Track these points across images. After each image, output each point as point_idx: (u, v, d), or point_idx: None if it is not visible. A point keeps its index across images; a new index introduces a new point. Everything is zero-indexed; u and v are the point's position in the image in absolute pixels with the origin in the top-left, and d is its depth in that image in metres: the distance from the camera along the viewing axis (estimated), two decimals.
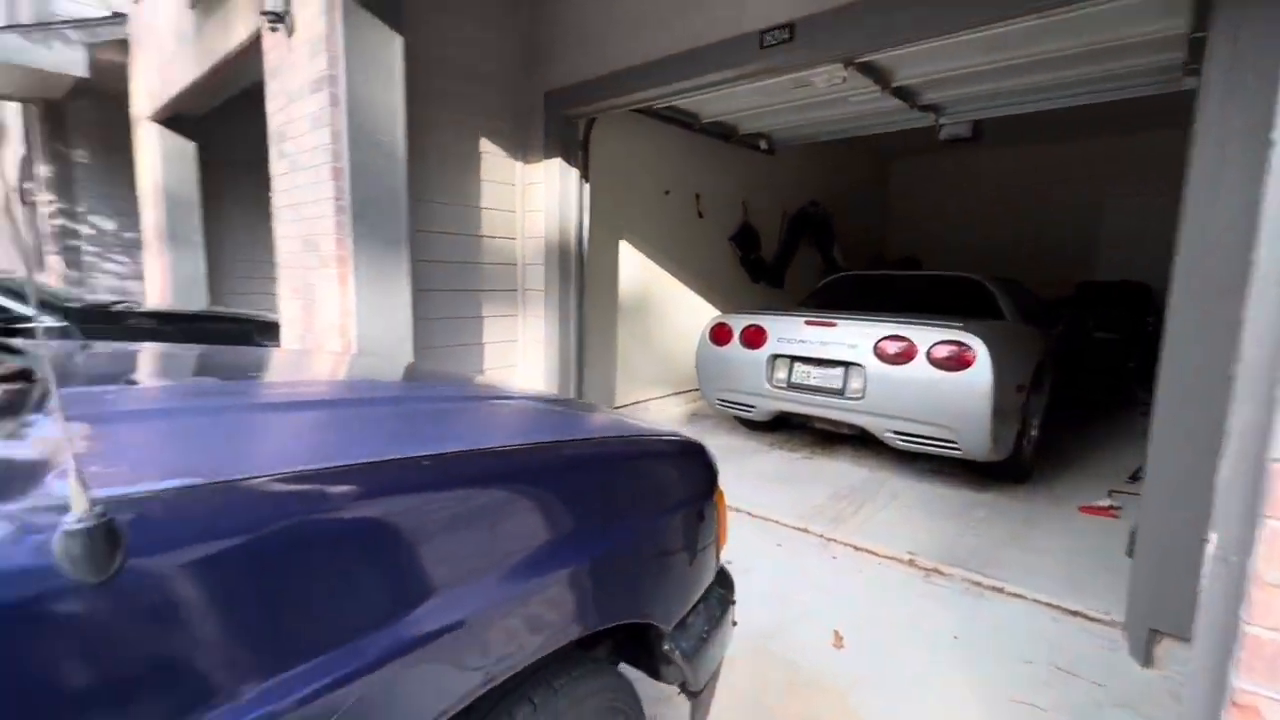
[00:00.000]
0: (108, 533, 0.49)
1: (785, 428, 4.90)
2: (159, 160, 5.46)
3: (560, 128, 3.90)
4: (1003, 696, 1.94)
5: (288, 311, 3.41)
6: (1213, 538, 0.94)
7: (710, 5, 3.07)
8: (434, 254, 3.67)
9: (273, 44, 3.18)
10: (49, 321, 3.50)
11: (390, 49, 2.98)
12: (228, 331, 4.13)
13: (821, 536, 3.10)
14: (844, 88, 3.98)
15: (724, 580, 1.33)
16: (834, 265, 7.76)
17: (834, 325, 3.69)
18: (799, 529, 3.18)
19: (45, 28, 5.09)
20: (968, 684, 2.00)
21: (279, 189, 3.34)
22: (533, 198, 4.08)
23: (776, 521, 3.27)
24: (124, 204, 6.30)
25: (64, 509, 0.48)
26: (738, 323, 4.16)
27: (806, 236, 7.49)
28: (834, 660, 2.12)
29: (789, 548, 2.99)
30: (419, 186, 3.44)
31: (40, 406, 0.82)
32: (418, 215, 3.45)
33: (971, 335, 3.20)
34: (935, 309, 3.91)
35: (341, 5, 2.79)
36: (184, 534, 0.56)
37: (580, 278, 4.20)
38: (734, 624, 1.33)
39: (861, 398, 3.56)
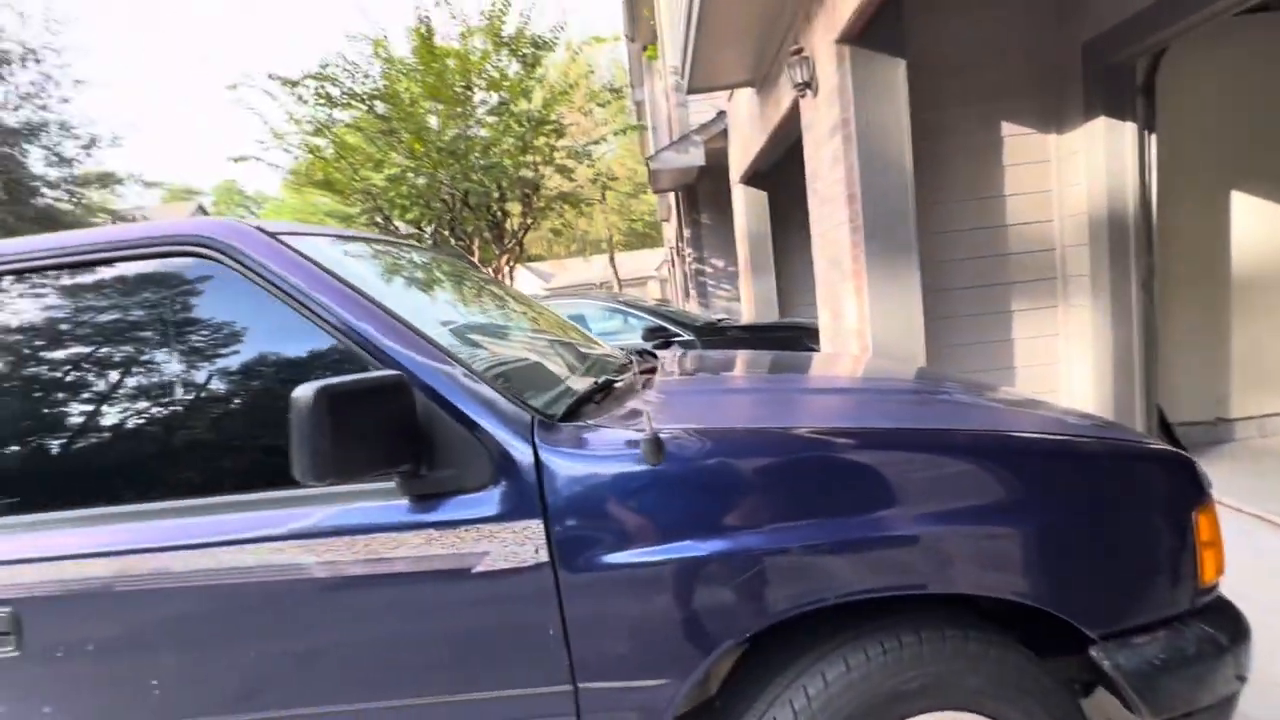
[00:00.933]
0: (657, 444, 1.04)
1: None
2: (744, 210, 7.31)
3: (1104, 81, 3.28)
4: None
5: (822, 319, 4.13)
6: None
7: None
8: (951, 254, 3.70)
9: (805, 106, 3.94)
10: (685, 336, 5.31)
11: (893, 75, 3.25)
12: (786, 337, 5.24)
13: None
14: None
15: (1219, 618, 1.08)
16: None
17: None
18: None
19: (685, 139, 7.63)
20: None
21: (814, 220, 4.09)
22: (1072, 170, 3.56)
23: None
24: (729, 248, 8.67)
25: (644, 432, 1.05)
26: None
27: None
28: None
29: None
30: (932, 191, 3.57)
31: (646, 388, 1.56)
32: (932, 218, 3.58)
33: None
34: None
35: (850, 55, 3.25)
36: (686, 452, 1.08)
37: (1147, 254, 3.39)
38: (1239, 677, 1.06)
39: None
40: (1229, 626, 1.10)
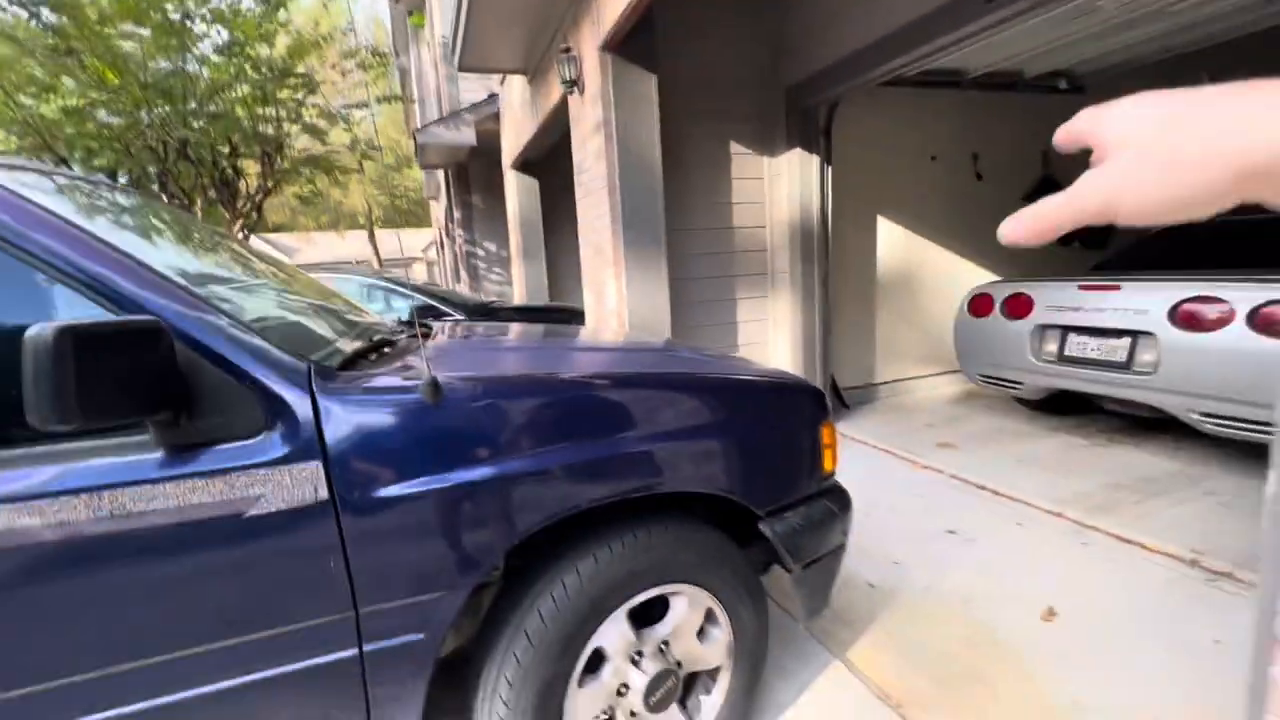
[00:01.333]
0: (435, 385, 1.18)
1: (1076, 411, 4.26)
2: (516, 195, 7.44)
3: (800, 119, 4.18)
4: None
5: (587, 301, 4.50)
6: (1272, 476, 0.92)
7: None
8: (692, 248, 4.36)
9: (572, 103, 4.24)
10: (456, 315, 5.28)
11: (646, 87, 3.72)
12: (556, 317, 5.54)
13: (1077, 523, 2.82)
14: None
15: (839, 498, 1.64)
16: None
17: (1117, 289, 3.18)
18: (1050, 512, 2.93)
19: (455, 115, 7.45)
20: (1204, 681, 1.78)
21: (580, 211, 4.42)
22: (779, 188, 4.45)
23: (1023, 502, 3.06)
24: (501, 232, 8.71)
25: (423, 377, 1.18)
26: (1000, 291, 3.84)
27: None
28: (1037, 632, 2.08)
29: (1030, 530, 2.81)
30: (678, 192, 4.15)
31: (418, 349, 1.66)
32: (677, 216, 4.16)
33: None
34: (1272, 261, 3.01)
35: (611, 63, 3.62)
36: (460, 394, 1.24)
37: (824, 259, 4.41)
38: (844, 533, 1.62)
39: (1153, 373, 3.02)
40: (840, 501, 1.64)
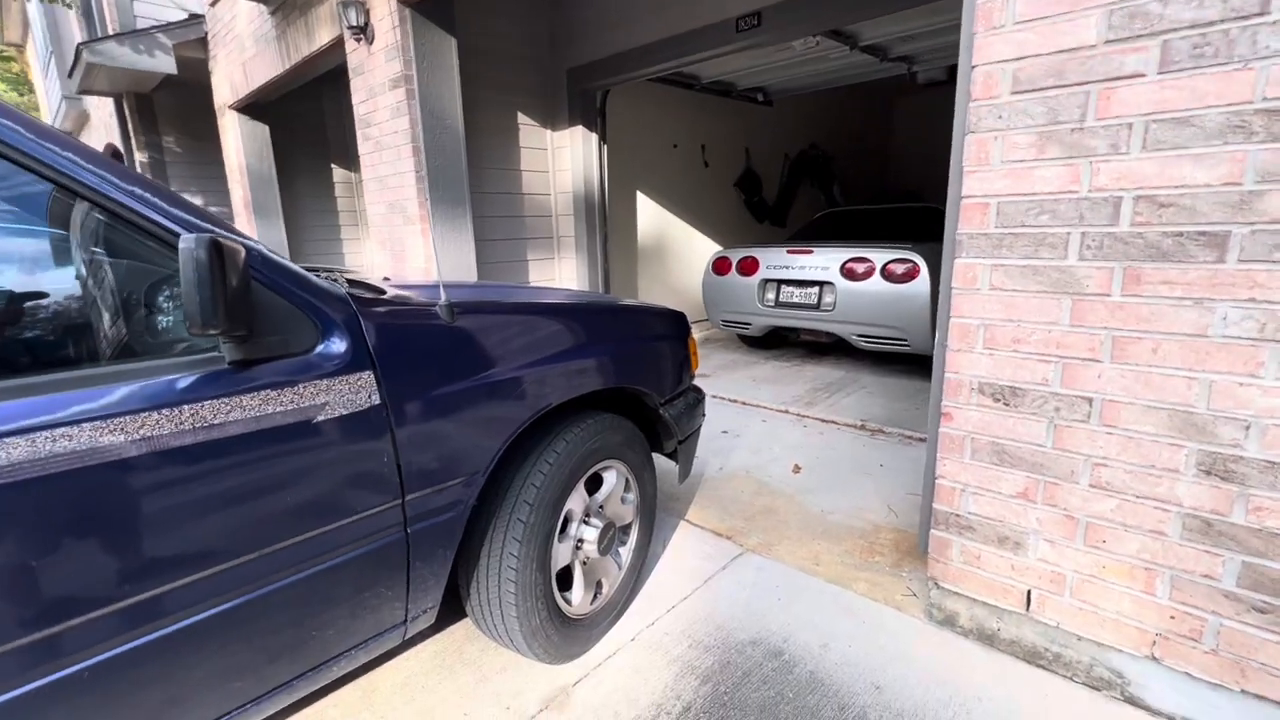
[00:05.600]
0: (451, 308, 1.44)
1: (780, 345, 5.79)
2: (240, 143, 6.41)
3: (581, 100, 4.71)
4: (903, 491, 2.90)
5: (379, 261, 4.39)
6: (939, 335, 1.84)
7: None
8: (489, 211, 4.59)
9: (354, 49, 4.04)
10: None
11: (446, 48, 3.81)
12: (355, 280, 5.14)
13: (797, 415, 4.04)
14: (818, 49, 4.68)
15: (698, 392, 2.31)
16: (834, 203, 8.43)
17: (810, 252, 4.53)
18: (780, 410, 4.13)
19: (144, 34, 5.99)
20: (880, 486, 2.96)
21: (366, 165, 4.25)
22: (561, 159, 4.93)
23: (763, 406, 4.22)
24: (211, 182, 7.32)
25: (440, 301, 1.43)
26: (735, 255, 5.01)
27: (807, 178, 8.15)
28: (793, 480, 3.09)
29: (771, 423, 3.94)
30: (474, 157, 4.33)
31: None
32: (475, 180, 4.34)
33: (915, 254, 4.02)
34: (900, 235, 4.71)
35: (410, 18, 3.63)
36: (468, 314, 1.51)
37: (604, 227, 5.08)
38: (703, 415, 2.31)
39: (833, 310, 4.43)
40: (700, 394, 2.31)
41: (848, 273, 4.33)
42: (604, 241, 5.11)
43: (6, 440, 0.90)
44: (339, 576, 1.30)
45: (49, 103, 11.64)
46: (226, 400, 1.11)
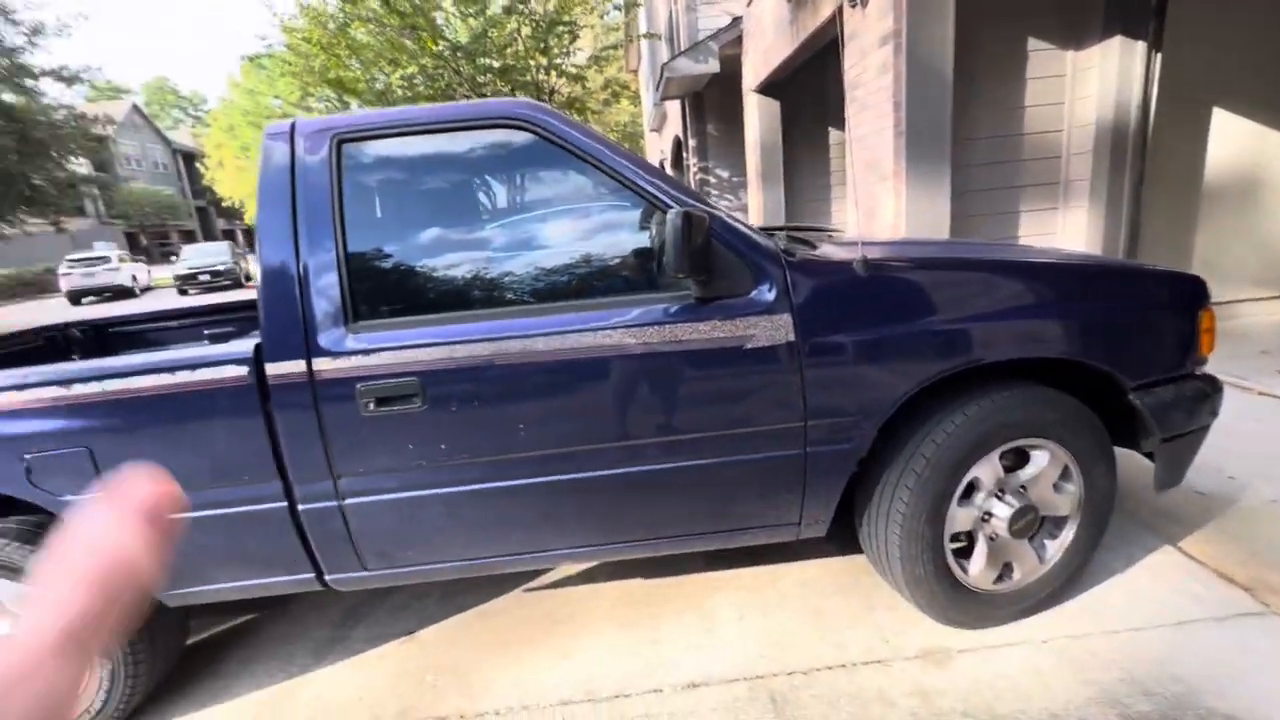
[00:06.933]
0: (865, 261, 1.57)
1: None
2: (757, 119, 7.57)
3: (1123, 1, 3.71)
4: None
5: (852, 221, 4.63)
6: None
7: None
8: (974, 158, 4.21)
9: (851, 17, 4.25)
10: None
11: None
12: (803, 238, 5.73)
13: None
14: None
15: (1208, 382, 1.73)
16: None
17: None
18: None
19: (700, 45, 7.70)
20: None
21: (851, 126, 4.49)
22: (1084, 84, 4.04)
23: None
24: (736, 158, 8.95)
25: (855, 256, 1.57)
26: None
27: None
28: None
29: None
30: (962, 104, 4.01)
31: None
32: (962, 127, 4.05)
33: None
34: None
35: None
36: (882, 268, 1.60)
37: (1139, 163, 3.96)
38: (1212, 413, 1.71)
39: None
40: (1211, 385, 1.73)
41: None
42: (1136, 184, 3.98)
43: (597, 333, 1.56)
44: (751, 469, 1.67)
45: (648, 109, 16.08)
46: (690, 325, 1.58)
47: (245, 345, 1.58)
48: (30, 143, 12.27)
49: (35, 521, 1.65)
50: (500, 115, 1.61)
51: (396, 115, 1.63)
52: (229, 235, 43.99)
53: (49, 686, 0.17)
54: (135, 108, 41.41)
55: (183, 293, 17.78)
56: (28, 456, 1.55)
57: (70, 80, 12.33)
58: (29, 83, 12.90)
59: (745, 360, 1.59)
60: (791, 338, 1.58)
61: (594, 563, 2.34)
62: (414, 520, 1.67)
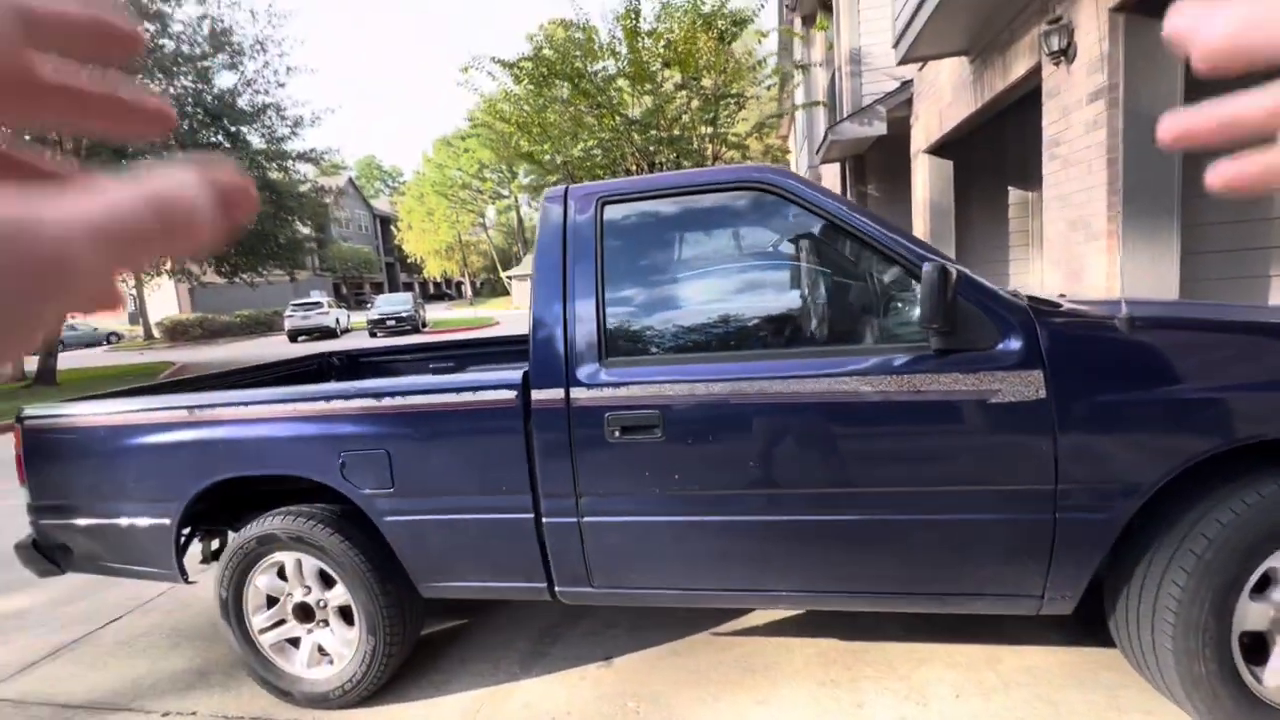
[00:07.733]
0: (1131, 320, 1.48)
1: None
2: (927, 180, 7.38)
3: None
4: None
5: (1049, 280, 4.31)
6: None
7: None
8: (1211, 216, 3.77)
9: (1051, 73, 4.10)
10: None
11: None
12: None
13: None
14: None
15: None
16: None
17: None
18: None
19: (867, 109, 7.77)
20: None
21: (1049, 184, 4.25)
22: None
23: None
24: (897, 218, 8.77)
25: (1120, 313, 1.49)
26: None
27: None
28: None
29: None
30: (1195, 156, 3.65)
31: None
32: (1193, 182, 3.67)
33: None
34: None
35: (1123, 24, 3.41)
36: (1148, 330, 1.51)
37: None
38: None
39: None
40: None
41: None
42: None
43: (833, 379, 1.63)
44: (992, 529, 1.60)
45: (798, 169, 16.31)
46: (928, 376, 1.58)
47: (514, 374, 1.84)
48: (282, 209, 15.03)
49: (339, 510, 2.00)
50: (744, 180, 1.78)
51: (653, 181, 1.86)
52: (408, 287, 50.79)
53: (51, 252, 0.15)
54: (350, 180, 49.83)
55: (372, 335, 20.70)
56: (343, 454, 1.90)
57: (316, 161, 15.13)
58: (287, 163, 15.85)
59: (988, 414, 1.55)
60: (1043, 394, 1.52)
61: (806, 608, 2.32)
62: (642, 543, 1.79)
